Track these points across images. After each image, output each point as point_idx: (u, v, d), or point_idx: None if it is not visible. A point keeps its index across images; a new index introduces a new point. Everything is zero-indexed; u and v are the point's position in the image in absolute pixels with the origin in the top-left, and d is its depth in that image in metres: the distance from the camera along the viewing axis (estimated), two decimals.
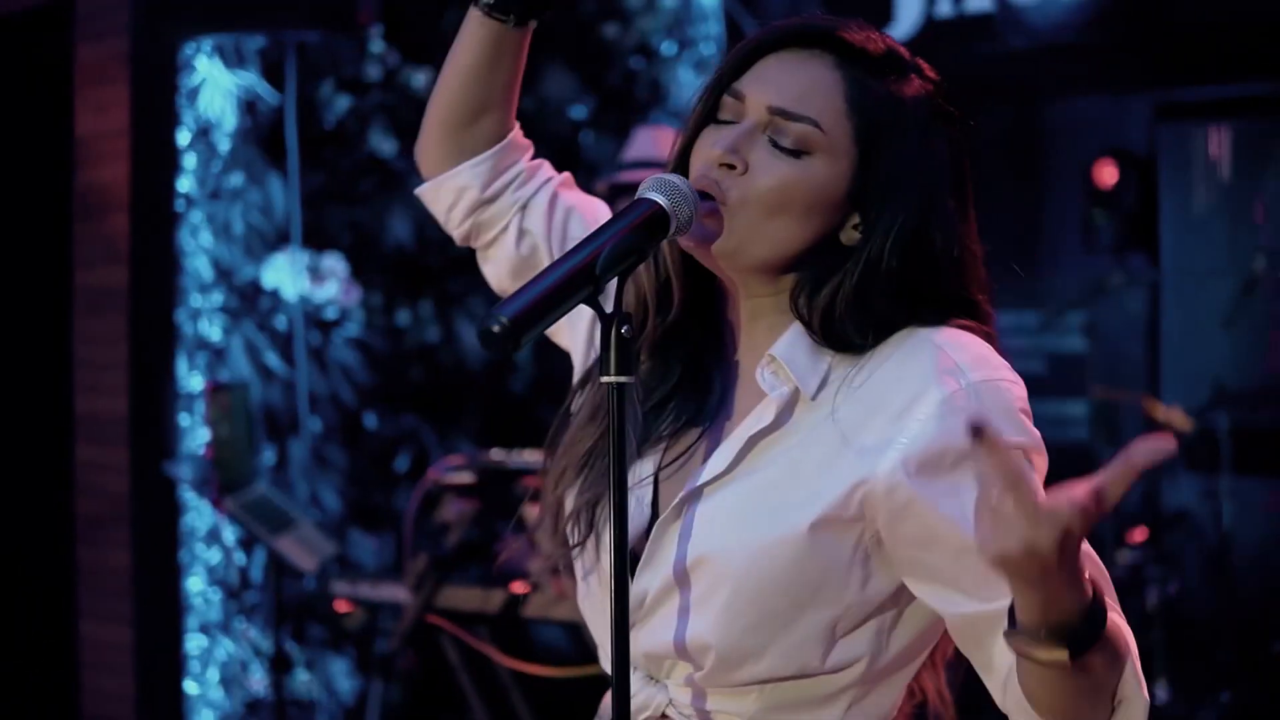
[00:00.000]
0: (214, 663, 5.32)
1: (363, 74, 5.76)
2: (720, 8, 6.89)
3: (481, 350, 6.06)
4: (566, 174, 2.35)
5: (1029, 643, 1.74)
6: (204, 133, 5.33)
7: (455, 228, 2.31)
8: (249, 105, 5.45)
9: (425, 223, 5.99)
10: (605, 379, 1.89)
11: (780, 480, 1.97)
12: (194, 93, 5.32)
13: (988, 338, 2.01)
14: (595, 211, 2.31)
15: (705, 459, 2.04)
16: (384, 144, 5.82)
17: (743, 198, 1.97)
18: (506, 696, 4.82)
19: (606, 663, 2.08)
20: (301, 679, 5.47)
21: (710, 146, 2.02)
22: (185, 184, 5.30)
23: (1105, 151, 7.25)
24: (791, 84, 1.99)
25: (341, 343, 5.69)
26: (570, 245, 2.13)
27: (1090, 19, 6.23)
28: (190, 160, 5.31)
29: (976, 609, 1.90)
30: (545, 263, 2.24)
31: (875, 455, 1.93)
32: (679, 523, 2.02)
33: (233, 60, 5.40)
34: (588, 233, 1.99)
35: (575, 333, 2.35)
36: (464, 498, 4.55)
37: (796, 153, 1.96)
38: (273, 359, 5.46)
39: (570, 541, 2.09)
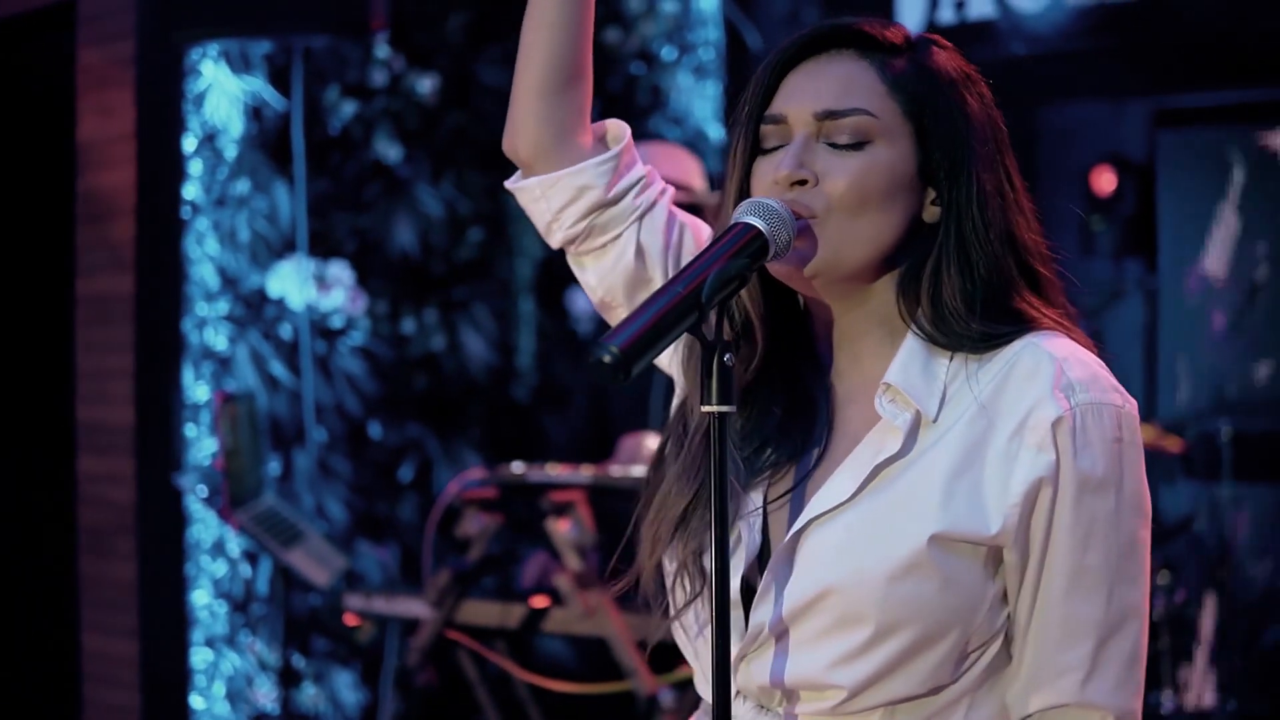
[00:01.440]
0: (220, 677, 5.25)
1: (368, 79, 5.69)
2: (720, 13, 6.85)
3: (478, 356, 6.05)
4: (671, 186, 2.30)
5: None
6: (210, 138, 5.25)
7: (565, 229, 2.22)
8: (255, 111, 5.38)
9: (429, 229, 5.94)
10: (706, 408, 1.85)
11: (907, 504, 1.94)
12: (200, 98, 5.24)
13: (1089, 347, 2.00)
14: (700, 231, 2.26)
15: (818, 487, 2.00)
16: (389, 150, 5.76)
17: (827, 206, 1.96)
18: (524, 712, 4.77)
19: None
20: (308, 693, 5.41)
21: (773, 171, 2.00)
22: (191, 190, 5.23)
23: (1104, 158, 7.25)
24: (827, 85, 1.99)
25: (347, 351, 5.63)
26: (682, 264, 2.13)
27: (1090, 26, 6.21)
28: (196, 166, 5.23)
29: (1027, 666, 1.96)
30: (658, 280, 2.19)
31: (998, 470, 1.92)
32: (800, 550, 1.97)
33: (239, 65, 5.33)
34: (697, 253, 1.97)
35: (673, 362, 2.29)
36: (486, 512, 4.49)
37: (857, 145, 1.97)
38: (278, 368, 5.38)
39: (680, 601, 2.04)
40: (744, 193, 2.05)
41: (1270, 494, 6.77)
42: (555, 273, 6.37)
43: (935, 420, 1.96)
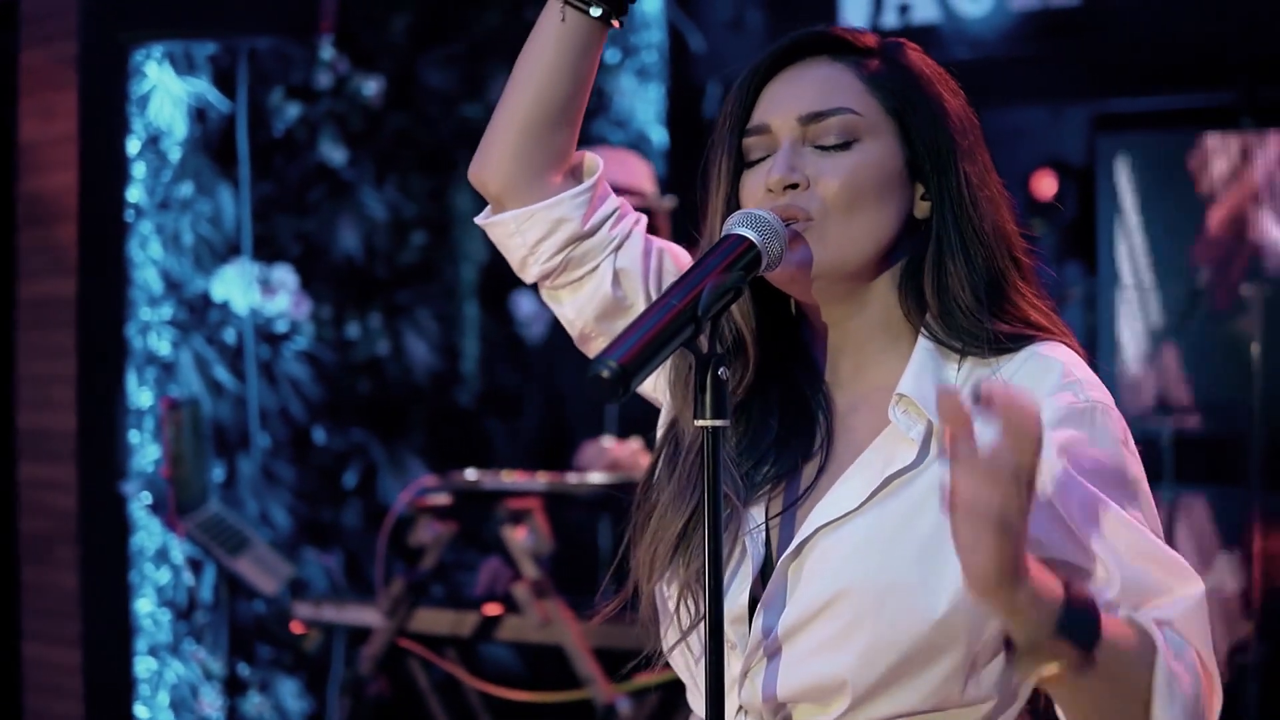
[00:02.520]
0: (164, 686, 5.18)
1: (312, 81, 5.63)
2: (663, 16, 6.83)
3: (422, 361, 6.01)
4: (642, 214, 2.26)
5: (1030, 656, 1.71)
6: (154, 141, 5.18)
7: (541, 262, 2.18)
8: (199, 113, 5.31)
9: (373, 233, 5.88)
10: (700, 422, 1.84)
11: (921, 512, 1.93)
12: (144, 100, 5.17)
13: (1083, 354, 2.02)
14: (679, 255, 2.25)
15: (822, 496, 1.99)
16: (333, 153, 5.70)
17: (822, 208, 1.96)
18: None
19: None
20: (254, 701, 5.35)
21: (762, 180, 2.00)
22: (134, 193, 5.15)
23: (1044, 162, 7.28)
24: (807, 90, 2.01)
25: (291, 356, 5.57)
26: (664, 287, 2.12)
27: (1032, 30, 6.23)
28: (139, 169, 5.16)
29: None
30: (640, 305, 2.16)
31: None
32: (807, 559, 1.96)
33: (183, 67, 5.26)
34: (679, 275, 1.97)
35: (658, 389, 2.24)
36: (440, 520, 4.45)
37: (845, 144, 1.98)
38: (222, 373, 5.32)
39: (684, 623, 2.02)
40: (731, 207, 2.04)
41: (1212, 496, 6.81)
42: (499, 277, 6.33)
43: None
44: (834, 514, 1.95)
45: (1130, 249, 7.10)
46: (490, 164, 2.17)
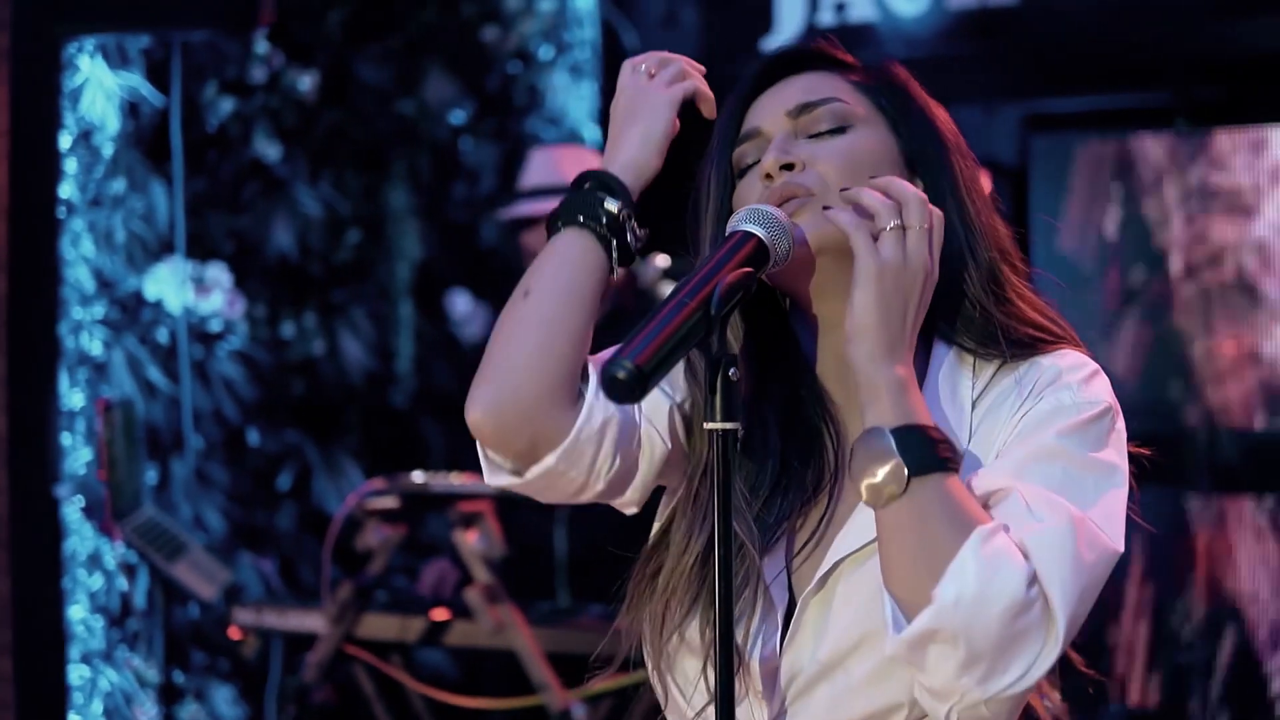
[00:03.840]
0: (98, 694, 5.05)
1: (247, 76, 5.52)
2: (597, 13, 6.77)
3: (357, 361, 5.91)
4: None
5: (862, 452, 1.78)
6: (86, 136, 5.06)
7: (604, 478, 1.94)
8: (132, 107, 5.19)
9: (308, 231, 5.79)
10: (710, 425, 1.78)
11: None
12: (76, 94, 5.04)
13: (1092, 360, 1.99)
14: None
15: (840, 526, 1.93)
16: (268, 149, 5.60)
17: (822, 182, 1.92)
18: None
19: None
20: (189, 709, 5.23)
21: (758, 176, 1.95)
22: (66, 190, 5.03)
23: (978, 162, 7.26)
24: (794, 91, 2.00)
25: (225, 356, 5.46)
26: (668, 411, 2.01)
27: (969, 30, 6.22)
28: (71, 165, 5.03)
29: None
30: (677, 445, 2.02)
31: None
32: (833, 595, 1.90)
33: (116, 60, 5.14)
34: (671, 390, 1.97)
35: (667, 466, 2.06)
36: (388, 523, 4.37)
37: (839, 129, 1.96)
38: (155, 374, 5.20)
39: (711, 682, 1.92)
40: (723, 220, 2.00)
41: (1149, 497, 6.82)
42: (434, 275, 6.25)
43: (969, 444, 1.92)
44: (854, 545, 1.90)
45: (1063, 249, 7.11)
46: (514, 427, 1.89)
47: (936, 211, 1.86)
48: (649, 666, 2.02)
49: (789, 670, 1.91)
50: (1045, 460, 1.84)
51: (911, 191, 1.82)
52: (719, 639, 1.77)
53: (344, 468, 5.81)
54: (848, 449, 1.92)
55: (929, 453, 1.77)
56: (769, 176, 1.94)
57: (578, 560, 4.92)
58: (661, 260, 5.04)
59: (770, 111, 1.99)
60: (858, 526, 1.90)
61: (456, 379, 6.27)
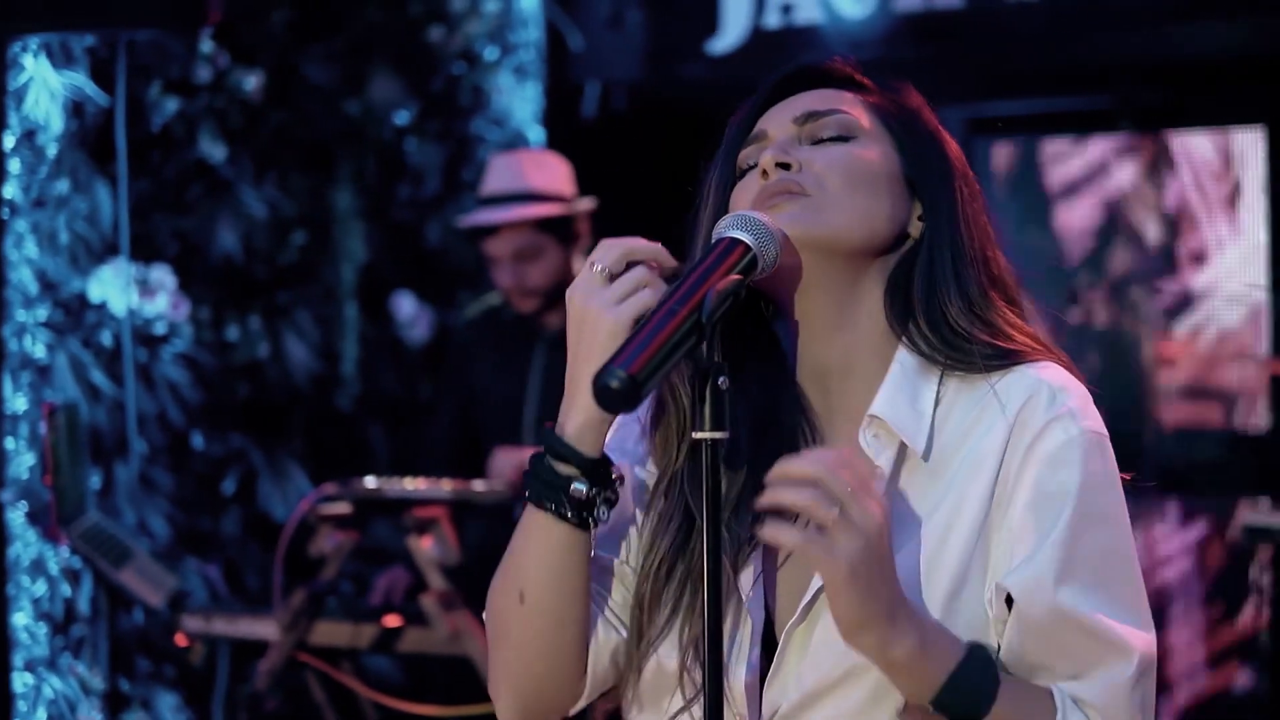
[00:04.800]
0: (42, 702, 4.98)
1: (191, 75, 5.45)
2: (541, 13, 6.74)
3: (302, 364, 5.85)
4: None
5: (916, 710, 1.77)
6: (29, 136, 4.98)
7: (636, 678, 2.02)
8: (76, 107, 5.11)
9: (252, 232, 5.72)
10: (699, 435, 1.76)
11: (931, 565, 1.87)
12: (20, 93, 4.96)
13: (1078, 376, 1.97)
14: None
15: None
16: (212, 149, 5.53)
17: (818, 183, 1.90)
18: None
19: None
20: (135, 716, 5.16)
21: (755, 176, 1.94)
22: (9, 190, 4.95)
23: None
24: (804, 100, 2.00)
25: (169, 359, 5.39)
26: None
27: (913, 32, 6.22)
28: (14, 165, 4.95)
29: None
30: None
31: (995, 510, 1.87)
32: (815, 623, 1.88)
33: (60, 59, 5.06)
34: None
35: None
36: (341, 529, 4.32)
37: (842, 138, 1.95)
38: (99, 377, 5.13)
39: (686, 694, 1.94)
40: (721, 215, 1.96)
41: None
42: (379, 277, 6.20)
43: (927, 459, 1.89)
44: None
45: (1006, 251, 7.12)
46: (542, 715, 2.01)
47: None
48: (622, 673, 2.01)
49: (771, 703, 1.90)
50: (1085, 565, 1.85)
51: (816, 468, 1.70)
52: (708, 653, 1.76)
53: (289, 472, 5.75)
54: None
55: (988, 682, 1.78)
56: (765, 174, 1.92)
57: None
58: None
59: (778, 118, 1.99)
60: None
61: (401, 382, 6.23)
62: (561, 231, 4.98)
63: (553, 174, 5.08)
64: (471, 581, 4.68)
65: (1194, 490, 6.61)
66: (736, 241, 1.86)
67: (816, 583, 1.87)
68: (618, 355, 1.72)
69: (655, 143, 6.36)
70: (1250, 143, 6.62)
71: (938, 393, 1.93)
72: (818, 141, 1.96)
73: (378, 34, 6.10)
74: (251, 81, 5.59)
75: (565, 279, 4.98)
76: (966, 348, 1.91)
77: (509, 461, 4.65)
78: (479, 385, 5.10)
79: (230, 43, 5.54)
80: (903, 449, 1.91)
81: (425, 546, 4.20)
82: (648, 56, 6.68)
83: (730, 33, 6.53)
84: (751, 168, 1.98)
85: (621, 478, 1.89)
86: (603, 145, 6.56)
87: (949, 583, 1.86)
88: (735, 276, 1.83)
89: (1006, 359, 1.93)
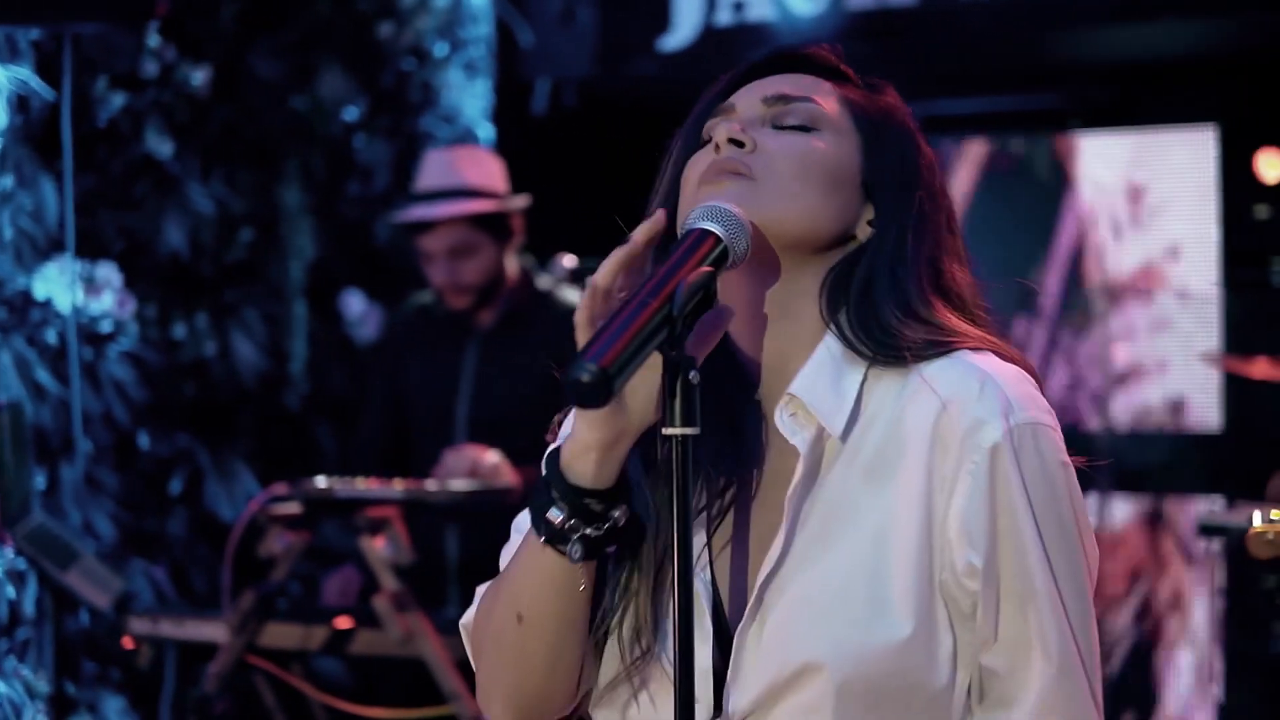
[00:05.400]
0: None
1: (139, 70, 5.38)
2: (491, 9, 6.70)
3: (249, 363, 5.79)
4: None
5: None
6: None
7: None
8: (21, 101, 5.03)
9: (199, 229, 5.65)
10: (669, 430, 1.73)
11: (834, 535, 1.84)
12: None
13: (1026, 367, 1.93)
14: None
15: (761, 533, 1.90)
16: (160, 145, 5.46)
17: (767, 168, 1.87)
18: None
19: None
20: None
21: (708, 150, 1.91)
22: None
23: None
24: (779, 82, 1.96)
25: (115, 357, 5.32)
26: None
27: (866, 31, 6.21)
28: None
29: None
30: None
31: (934, 499, 1.83)
32: (765, 623, 1.85)
33: (5, 53, 4.98)
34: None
35: None
36: (291, 530, 4.26)
37: (804, 128, 1.90)
38: (44, 375, 5.05)
39: (626, 659, 1.91)
40: (674, 186, 1.96)
41: None
42: (327, 275, 6.14)
43: (844, 440, 1.86)
44: (770, 565, 1.86)
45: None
46: None
47: None
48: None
49: (734, 703, 1.87)
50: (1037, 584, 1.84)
51: None
52: (679, 652, 1.73)
53: (236, 472, 5.68)
54: (768, 451, 1.93)
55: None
56: (717, 148, 1.89)
57: (470, 566, 4.85)
58: (568, 261, 4.98)
59: (749, 95, 1.96)
60: (776, 542, 1.86)
61: (350, 381, 6.16)
62: (496, 228, 4.96)
63: (487, 170, 5.05)
64: (424, 582, 4.66)
65: (1146, 489, 6.62)
66: (707, 233, 1.83)
67: (761, 573, 1.85)
68: (588, 349, 1.69)
69: (606, 140, 6.32)
70: (1203, 141, 6.63)
71: (863, 380, 1.89)
72: (781, 127, 1.92)
73: (327, 29, 6.04)
74: (199, 76, 5.52)
75: (499, 276, 4.95)
76: (895, 343, 1.88)
77: (461, 461, 4.60)
78: (409, 384, 5.07)
79: (178, 37, 5.47)
80: (819, 430, 1.87)
81: (378, 547, 4.15)
82: (599, 53, 6.65)
83: (682, 30, 6.50)
84: (710, 140, 1.95)
85: (620, 519, 1.82)
86: (553, 142, 6.53)
87: (873, 574, 1.83)
88: (706, 269, 1.78)
89: (938, 348, 1.88)
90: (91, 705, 5.12)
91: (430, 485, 4.36)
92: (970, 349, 1.89)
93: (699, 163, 1.93)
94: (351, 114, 6.28)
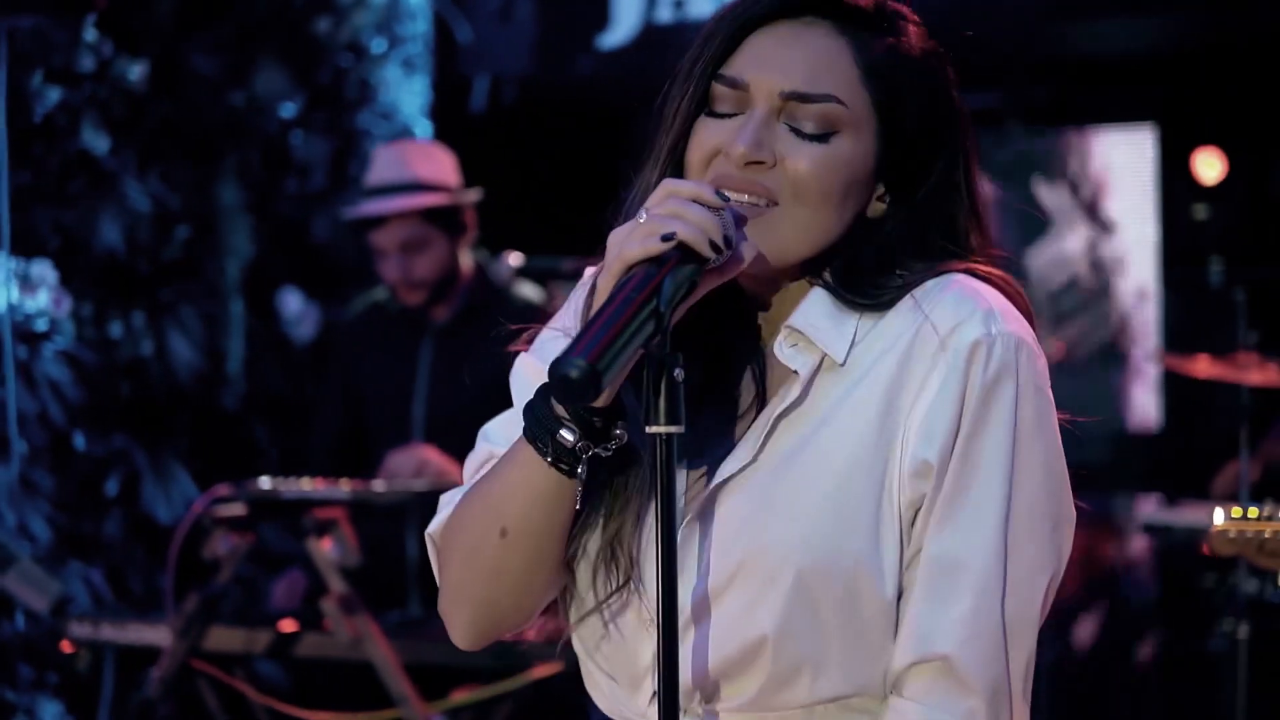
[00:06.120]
0: None
1: (75, 64, 5.29)
2: (429, 6, 6.64)
3: (186, 362, 5.71)
4: None
5: None
6: None
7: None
8: None
9: (136, 226, 5.57)
10: (653, 429, 1.70)
11: (817, 452, 1.82)
12: None
13: (1017, 295, 1.91)
14: None
15: (728, 453, 1.87)
16: (96, 141, 5.37)
17: (787, 191, 1.82)
18: None
19: (628, 711, 1.93)
20: None
21: (722, 140, 1.84)
22: None
23: None
24: (798, 61, 1.84)
25: (51, 356, 5.23)
26: None
27: None
28: None
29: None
30: None
31: (901, 399, 1.82)
32: (710, 524, 1.84)
33: None
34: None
35: None
36: (236, 531, 4.20)
37: (823, 135, 1.83)
38: None
39: (598, 594, 1.89)
40: (677, 154, 1.89)
41: None
42: (265, 273, 6.07)
43: (844, 364, 1.84)
44: (729, 471, 1.84)
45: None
46: (497, 637, 2.03)
47: None
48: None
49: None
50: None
51: None
52: (663, 667, 1.70)
53: (173, 473, 5.60)
54: (763, 388, 1.90)
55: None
56: (733, 162, 1.84)
57: (429, 567, 4.79)
58: (514, 259, 4.93)
59: (766, 71, 1.83)
60: (736, 455, 1.85)
61: (288, 381, 6.09)
62: (448, 223, 4.90)
63: (439, 165, 4.99)
64: (384, 583, 4.61)
65: (1084, 488, 6.63)
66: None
67: (714, 479, 1.84)
68: (575, 345, 1.65)
69: (546, 137, 6.28)
70: (1141, 141, 6.66)
71: (858, 324, 1.87)
72: (796, 129, 1.83)
73: (264, 24, 5.97)
74: (136, 71, 5.45)
75: (453, 271, 4.89)
76: (885, 292, 1.87)
77: (407, 461, 4.54)
78: (365, 382, 5.00)
79: (115, 31, 5.39)
80: (823, 358, 1.85)
81: (325, 549, 4.09)
82: (538, 50, 6.61)
83: (622, 27, 6.47)
84: (723, 115, 1.86)
85: (623, 436, 1.79)
86: (492, 139, 6.48)
87: (837, 477, 1.81)
88: (689, 266, 1.74)
89: (930, 275, 1.86)
90: (29, 710, 5.04)
91: (378, 486, 4.31)
92: (953, 273, 1.87)
93: (707, 141, 1.86)
94: (288, 110, 6.21)
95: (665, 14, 6.44)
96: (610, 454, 1.79)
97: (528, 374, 1.98)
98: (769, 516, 1.81)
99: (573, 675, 2.05)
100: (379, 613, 4.27)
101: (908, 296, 1.85)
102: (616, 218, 1.87)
